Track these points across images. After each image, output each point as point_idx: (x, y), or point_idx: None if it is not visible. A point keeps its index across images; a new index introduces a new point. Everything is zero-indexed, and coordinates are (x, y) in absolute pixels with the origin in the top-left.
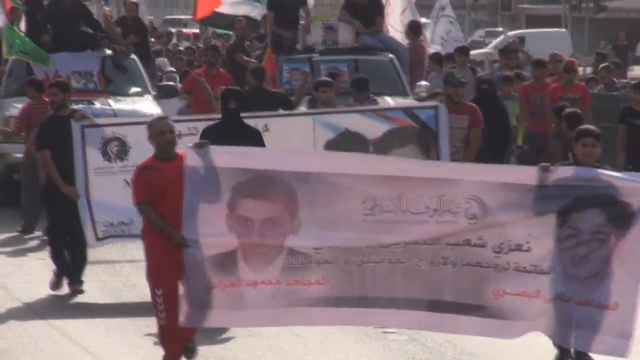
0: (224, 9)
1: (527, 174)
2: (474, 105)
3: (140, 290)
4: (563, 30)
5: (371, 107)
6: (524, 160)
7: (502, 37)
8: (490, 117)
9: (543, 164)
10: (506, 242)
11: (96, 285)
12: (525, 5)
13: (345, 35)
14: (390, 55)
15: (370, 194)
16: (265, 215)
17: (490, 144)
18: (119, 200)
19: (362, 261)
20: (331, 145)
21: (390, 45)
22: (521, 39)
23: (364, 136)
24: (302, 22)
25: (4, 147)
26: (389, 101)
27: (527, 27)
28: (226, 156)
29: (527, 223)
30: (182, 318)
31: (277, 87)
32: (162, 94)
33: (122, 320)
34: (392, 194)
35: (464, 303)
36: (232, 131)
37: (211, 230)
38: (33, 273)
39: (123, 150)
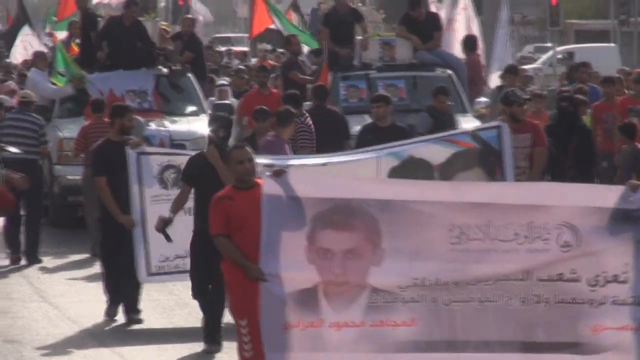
0: (276, 27)
1: (616, 195)
2: (535, 122)
3: (192, 309)
4: (612, 45)
5: (439, 135)
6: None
7: (550, 52)
8: (571, 136)
9: (632, 181)
10: (602, 274)
11: (149, 304)
12: (574, 21)
13: (402, 51)
14: (449, 71)
15: (456, 221)
16: (347, 246)
17: (578, 165)
18: (176, 230)
19: (450, 300)
20: (395, 173)
21: (448, 60)
22: (570, 54)
23: (428, 162)
24: (359, 37)
25: (58, 169)
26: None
27: (576, 43)
28: (305, 184)
29: (622, 250)
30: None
31: (332, 104)
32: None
33: (176, 344)
34: (480, 222)
35: (559, 342)
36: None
37: (290, 263)
38: (84, 292)
39: (179, 178)
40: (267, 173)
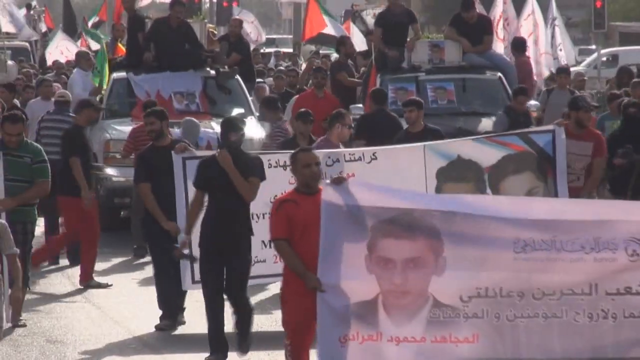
0: (329, 30)
1: None
2: (598, 133)
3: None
4: None
5: (488, 135)
6: None
7: (595, 55)
8: (638, 145)
9: None
10: None
11: (194, 307)
12: (619, 23)
13: (452, 54)
14: (499, 74)
15: (521, 236)
16: (408, 256)
17: None
18: None
19: (514, 316)
20: (443, 174)
21: (498, 63)
22: (614, 57)
23: (477, 163)
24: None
25: (105, 171)
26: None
27: (621, 45)
28: (366, 193)
29: None
30: None
31: None
32: (264, 117)
33: None
34: (545, 237)
35: (632, 358)
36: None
37: (349, 273)
38: (127, 293)
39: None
40: (327, 181)
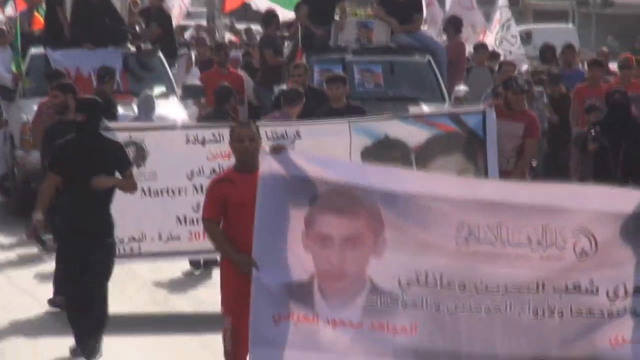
0: (255, 3)
1: (637, 199)
2: (532, 113)
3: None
4: (570, 25)
5: (414, 113)
6: None
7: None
8: (624, 135)
9: None
10: (621, 285)
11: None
12: (533, 1)
13: (380, 34)
14: (428, 57)
15: (465, 220)
16: (347, 233)
17: (630, 167)
18: (132, 212)
19: (455, 307)
20: (369, 154)
21: (427, 44)
22: (528, 34)
23: (405, 144)
24: (336, 18)
25: (20, 154)
26: (425, 109)
27: (534, 22)
28: (307, 164)
29: None
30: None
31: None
32: (188, 94)
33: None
34: (492, 221)
35: (575, 357)
36: (86, 147)
37: (286, 249)
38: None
39: (140, 156)
40: (266, 149)
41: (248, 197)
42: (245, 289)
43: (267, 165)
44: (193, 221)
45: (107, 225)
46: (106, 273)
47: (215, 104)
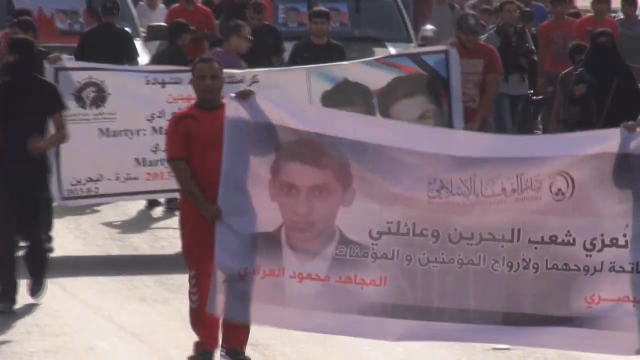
0: None
1: (613, 139)
2: (490, 47)
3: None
4: None
5: (377, 57)
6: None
7: None
8: (610, 77)
9: (628, 123)
10: (599, 237)
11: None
12: None
13: None
14: None
15: (437, 175)
16: (314, 182)
17: (617, 111)
18: (90, 152)
19: (427, 260)
20: (328, 98)
21: None
22: None
23: (366, 87)
24: None
25: None
26: (392, 51)
27: None
28: (274, 111)
29: (623, 210)
30: (209, 306)
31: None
32: (153, 36)
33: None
34: (464, 175)
35: (549, 315)
36: (19, 90)
37: (252, 199)
38: None
39: (100, 97)
40: (232, 94)
41: (211, 134)
42: (209, 237)
43: (234, 111)
44: (152, 162)
45: (43, 168)
46: (43, 208)
47: (168, 39)
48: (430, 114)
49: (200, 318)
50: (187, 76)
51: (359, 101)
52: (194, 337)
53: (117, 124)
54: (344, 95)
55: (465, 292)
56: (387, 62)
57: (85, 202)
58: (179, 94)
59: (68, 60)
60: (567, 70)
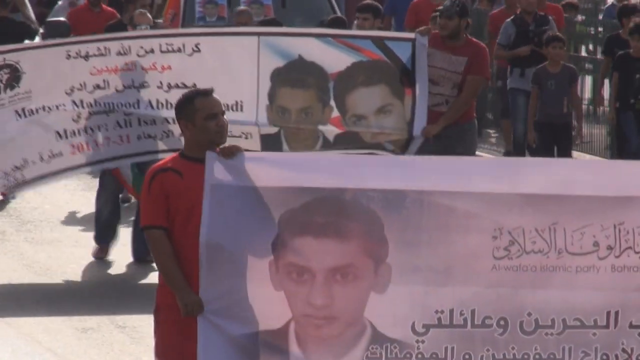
0: None
1: None
2: (481, 45)
3: None
4: None
5: (335, 31)
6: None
7: None
8: None
9: None
10: None
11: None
12: None
13: None
14: None
15: (504, 223)
16: (333, 263)
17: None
18: (9, 138)
19: (493, 358)
20: (279, 76)
21: None
22: None
23: (322, 68)
24: None
25: None
26: None
27: None
28: (270, 168)
29: None
30: None
31: (176, 24)
32: (52, 32)
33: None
34: (542, 223)
35: None
36: None
37: (245, 288)
38: None
39: (15, 77)
40: (211, 151)
41: (200, 194)
42: (193, 334)
43: (216, 172)
44: (74, 133)
45: None
46: None
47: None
48: (390, 109)
49: None
50: (115, 45)
51: (313, 83)
52: None
53: (32, 102)
54: (296, 75)
55: None
56: (347, 43)
57: (16, 191)
58: (104, 65)
59: None
60: (540, 66)
